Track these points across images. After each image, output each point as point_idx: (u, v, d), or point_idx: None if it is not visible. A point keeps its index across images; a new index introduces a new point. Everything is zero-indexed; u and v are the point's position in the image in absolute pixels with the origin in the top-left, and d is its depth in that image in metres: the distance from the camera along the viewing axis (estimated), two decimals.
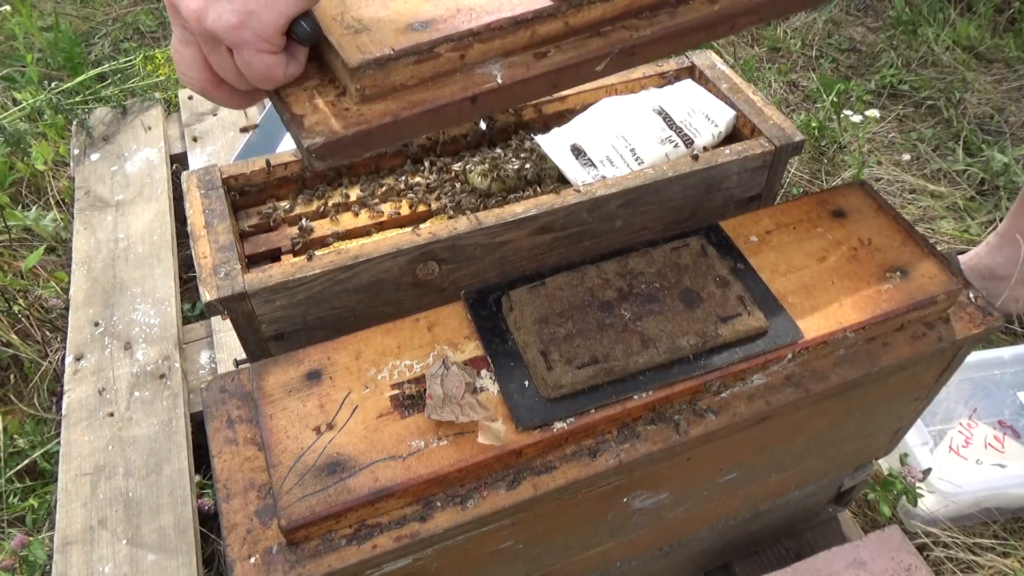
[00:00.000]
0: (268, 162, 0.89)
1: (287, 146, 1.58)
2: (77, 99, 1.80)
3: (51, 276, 1.54)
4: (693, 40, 0.62)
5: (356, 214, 0.89)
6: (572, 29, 0.58)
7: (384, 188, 0.90)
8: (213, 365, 1.31)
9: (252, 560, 0.57)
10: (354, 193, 0.91)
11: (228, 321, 0.77)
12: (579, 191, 0.84)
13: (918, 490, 1.13)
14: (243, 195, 0.90)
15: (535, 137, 0.94)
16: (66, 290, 1.45)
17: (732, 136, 0.97)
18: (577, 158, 0.90)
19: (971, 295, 0.75)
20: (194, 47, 0.53)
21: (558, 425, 0.61)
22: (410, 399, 0.63)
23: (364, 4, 0.57)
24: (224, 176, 0.87)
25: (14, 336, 1.42)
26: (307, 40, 0.53)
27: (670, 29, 0.60)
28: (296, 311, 0.79)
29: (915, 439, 1.19)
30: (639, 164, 0.90)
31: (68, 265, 1.50)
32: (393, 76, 0.54)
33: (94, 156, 1.68)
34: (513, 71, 0.57)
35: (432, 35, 0.54)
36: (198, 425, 1.22)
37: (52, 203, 1.70)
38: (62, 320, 1.45)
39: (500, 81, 0.57)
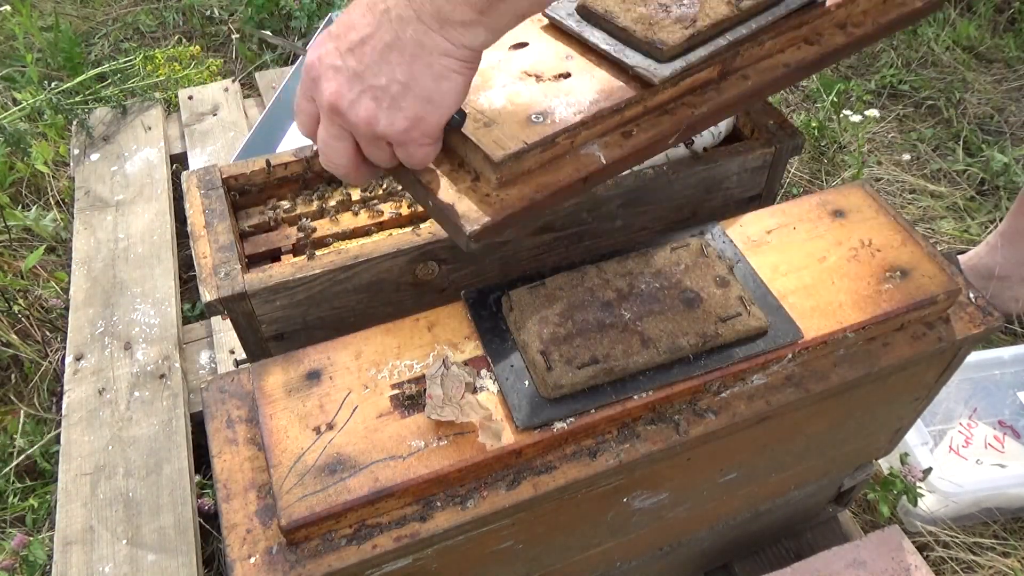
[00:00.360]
0: (268, 162, 0.89)
1: (287, 146, 1.58)
2: (77, 99, 1.80)
3: (51, 276, 1.54)
4: (733, 111, 0.73)
5: (356, 214, 0.89)
6: (648, 109, 0.68)
7: (384, 188, 0.90)
8: (213, 365, 1.32)
9: (252, 560, 0.57)
10: (354, 193, 0.91)
11: (228, 321, 0.77)
12: None
13: (918, 490, 1.13)
14: (243, 195, 0.90)
15: None
16: (66, 290, 1.45)
17: (732, 136, 0.97)
18: None
19: (971, 295, 0.75)
20: (348, 142, 0.59)
21: (558, 425, 0.61)
22: (410, 399, 0.63)
23: (480, 93, 0.66)
24: (224, 176, 0.87)
25: (14, 336, 1.42)
26: (457, 127, 0.61)
27: (719, 104, 0.69)
28: (296, 311, 0.79)
29: (915, 439, 1.19)
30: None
31: (68, 265, 1.50)
32: (524, 164, 0.63)
33: (94, 156, 1.68)
34: (611, 151, 0.66)
35: (553, 127, 0.63)
36: (198, 425, 1.22)
37: (52, 203, 1.70)
38: (62, 320, 1.45)
39: (603, 161, 0.65)
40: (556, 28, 0.72)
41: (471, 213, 0.60)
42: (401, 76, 0.55)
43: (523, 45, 0.71)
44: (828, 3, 0.73)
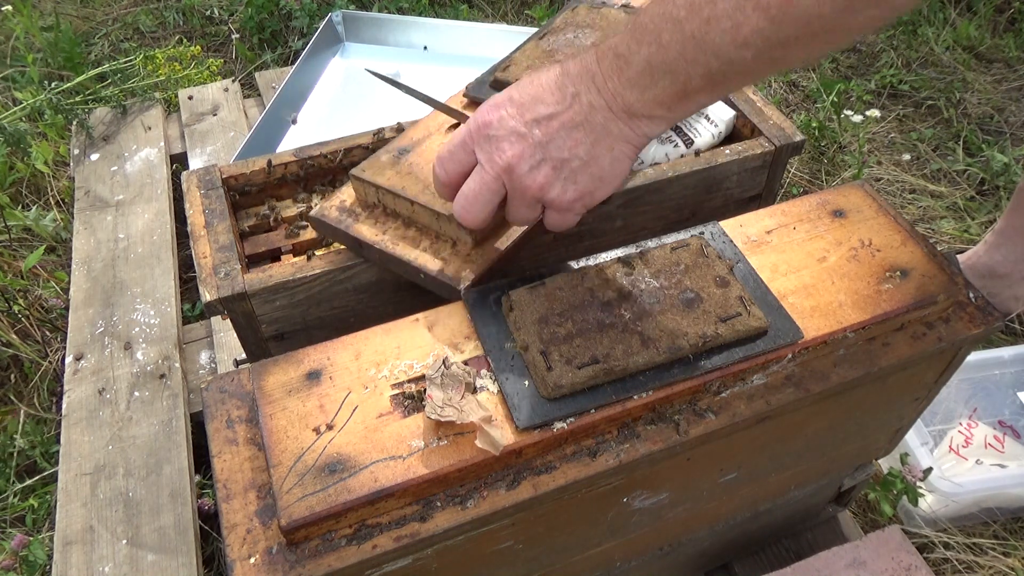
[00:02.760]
0: (269, 162, 0.89)
1: (287, 146, 1.58)
2: (77, 99, 1.81)
3: (51, 276, 1.54)
4: None
5: None
6: None
7: None
8: (213, 365, 1.32)
9: (252, 560, 0.57)
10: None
11: (228, 321, 0.77)
12: None
13: (918, 490, 1.13)
14: (243, 195, 0.90)
15: None
16: (66, 290, 1.45)
17: (732, 136, 0.97)
18: None
19: (971, 295, 0.75)
20: (499, 196, 0.64)
21: (558, 425, 0.61)
22: (410, 399, 0.63)
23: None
24: (224, 176, 0.87)
25: (14, 336, 1.42)
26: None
27: None
28: (296, 311, 0.79)
29: (915, 439, 1.19)
30: (639, 164, 0.90)
31: (68, 265, 1.50)
32: (491, 221, 0.70)
33: (94, 156, 1.68)
34: None
35: None
36: (198, 425, 1.22)
37: (52, 203, 1.70)
38: (62, 320, 1.45)
39: None
40: (478, 103, 0.82)
41: (459, 273, 0.71)
42: (583, 154, 0.61)
43: (457, 124, 0.81)
44: None
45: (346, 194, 0.80)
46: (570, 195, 0.63)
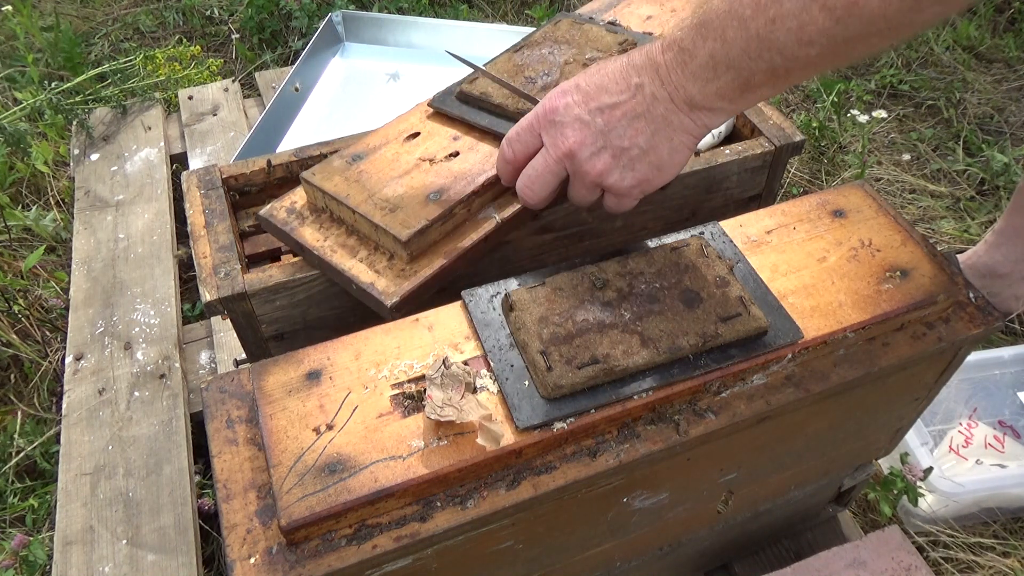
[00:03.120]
0: (269, 162, 0.89)
1: (287, 146, 1.58)
2: (77, 99, 1.81)
3: (51, 276, 1.54)
4: None
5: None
6: None
7: None
8: (213, 365, 1.32)
9: (252, 560, 0.57)
10: None
11: (228, 321, 0.77)
12: None
13: (918, 490, 1.13)
14: (243, 195, 0.90)
15: None
16: (66, 290, 1.45)
17: (732, 136, 0.97)
18: None
19: (971, 295, 0.75)
20: (560, 179, 0.67)
21: (558, 425, 0.61)
22: (410, 399, 0.63)
23: (384, 186, 0.75)
24: (224, 176, 0.87)
25: (14, 336, 1.42)
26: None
27: None
28: (296, 311, 0.79)
29: (915, 439, 1.19)
30: None
31: (68, 265, 1.50)
32: (429, 237, 0.72)
33: (94, 156, 1.68)
34: (504, 210, 0.76)
35: (448, 202, 0.73)
36: (198, 425, 1.22)
37: (52, 203, 1.70)
38: (62, 320, 1.45)
39: (499, 219, 0.75)
40: (441, 115, 0.83)
41: (389, 288, 0.70)
42: (643, 143, 0.63)
43: (416, 135, 0.82)
44: None
45: (298, 196, 0.80)
46: (628, 182, 0.65)
